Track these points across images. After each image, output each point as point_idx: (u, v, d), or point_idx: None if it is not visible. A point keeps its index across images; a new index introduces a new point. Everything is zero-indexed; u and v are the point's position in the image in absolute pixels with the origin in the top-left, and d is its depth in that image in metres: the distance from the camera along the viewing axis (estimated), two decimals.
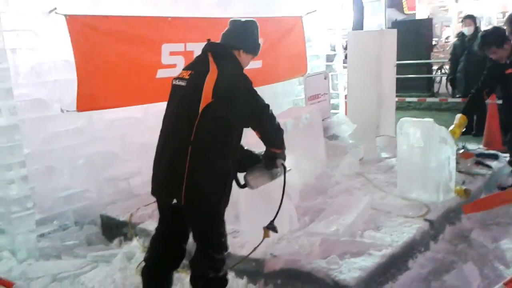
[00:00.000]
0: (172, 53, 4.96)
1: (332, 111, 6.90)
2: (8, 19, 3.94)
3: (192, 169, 2.65)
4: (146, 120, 5.09)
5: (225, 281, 2.96)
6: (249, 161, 2.90)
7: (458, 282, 3.23)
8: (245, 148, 2.98)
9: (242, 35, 2.88)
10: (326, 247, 3.16)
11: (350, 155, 5.02)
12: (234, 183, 2.90)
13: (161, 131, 2.91)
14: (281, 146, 2.80)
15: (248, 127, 2.78)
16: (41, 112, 4.32)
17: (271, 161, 2.80)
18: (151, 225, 4.01)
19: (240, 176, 2.94)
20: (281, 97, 6.66)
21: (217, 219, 2.83)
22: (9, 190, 3.98)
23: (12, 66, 4.00)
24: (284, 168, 2.84)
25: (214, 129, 2.68)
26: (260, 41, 2.98)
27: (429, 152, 3.93)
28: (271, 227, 2.93)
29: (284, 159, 2.84)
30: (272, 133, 2.77)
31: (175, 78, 2.91)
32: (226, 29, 2.94)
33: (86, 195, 4.74)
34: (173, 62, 4.98)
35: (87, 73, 4.27)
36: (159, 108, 4.92)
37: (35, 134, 4.29)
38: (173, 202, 2.73)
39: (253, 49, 2.91)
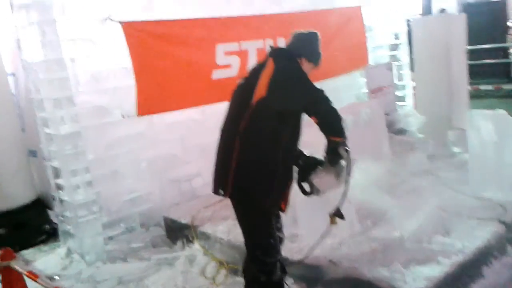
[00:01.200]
0: (226, 53, 4.94)
1: (398, 103, 6.56)
2: (65, 28, 4.07)
3: (239, 162, 2.67)
4: (205, 122, 5.10)
5: (280, 286, 2.88)
6: (311, 166, 2.79)
7: None
8: (306, 153, 2.85)
9: (304, 44, 2.89)
10: (389, 254, 2.98)
11: (418, 151, 4.72)
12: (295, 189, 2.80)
13: (220, 129, 2.91)
14: (341, 133, 2.65)
15: (303, 116, 2.70)
16: (103, 119, 4.45)
17: (333, 153, 2.64)
18: (210, 228, 4.03)
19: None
20: (342, 91, 6.42)
21: (263, 218, 2.76)
22: (75, 195, 4.16)
23: (72, 75, 4.14)
24: (347, 152, 2.65)
25: (265, 124, 2.66)
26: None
27: (503, 146, 3.59)
28: (338, 213, 2.78)
29: (347, 148, 2.66)
30: (331, 118, 2.64)
31: (239, 80, 2.94)
32: (289, 40, 2.93)
33: (150, 197, 4.83)
34: (228, 63, 4.96)
35: (145, 78, 4.33)
36: (217, 109, 4.99)
37: (98, 140, 4.42)
38: (220, 192, 2.77)
39: (314, 58, 2.90)
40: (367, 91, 6.15)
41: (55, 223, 4.69)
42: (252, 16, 5.16)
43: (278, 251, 2.85)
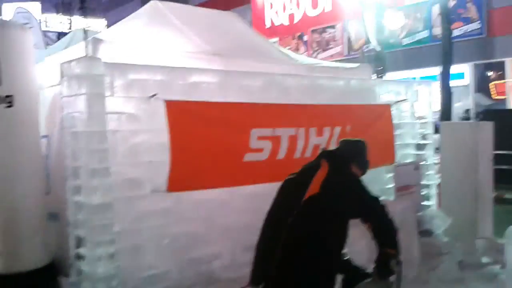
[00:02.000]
0: (260, 138, 5.00)
1: (423, 203, 6.50)
2: (112, 102, 4.19)
3: (285, 258, 2.65)
4: (232, 203, 5.07)
5: None
6: (358, 278, 2.72)
7: None
8: (349, 259, 2.80)
9: (354, 151, 3.03)
10: None
11: (447, 257, 4.60)
12: None
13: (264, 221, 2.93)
14: (396, 245, 2.61)
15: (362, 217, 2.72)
16: (134, 191, 4.43)
17: (385, 266, 2.58)
18: None
19: None
20: (368, 185, 6.40)
21: None
22: (96, 267, 4.04)
23: (111, 147, 4.19)
24: (400, 266, 2.57)
25: (315, 221, 2.66)
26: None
27: None
28: None
29: (399, 262, 2.61)
30: (386, 228, 2.62)
31: (288, 176, 2.99)
32: (338, 147, 3.09)
33: (168, 275, 4.68)
34: (260, 147, 5.02)
35: (180, 155, 4.36)
36: (245, 191, 5.03)
37: (126, 212, 4.37)
38: (259, 286, 2.75)
39: (363, 165, 3.04)
40: (392, 187, 6.12)
41: None
42: (288, 104, 5.28)
43: None
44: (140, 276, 4.46)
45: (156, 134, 4.47)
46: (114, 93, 4.24)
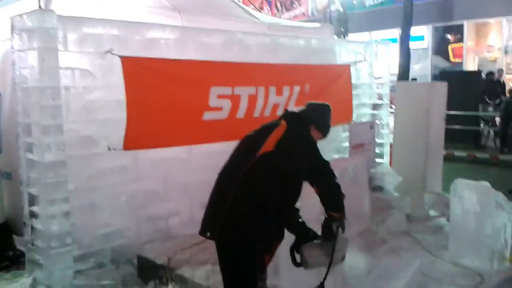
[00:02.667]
0: (219, 96, 4.98)
1: (376, 160, 6.72)
2: (65, 57, 4.05)
3: (232, 209, 2.72)
4: (190, 161, 5.09)
5: None
6: (305, 236, 2.82)
7: None
8: (303, 221, 2.89)
9: (316, 113, 3.04)
10: None
11: (396, 211, 4.81)
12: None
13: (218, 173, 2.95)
14: (340, 210, 2.72)
15: (305, 181, 2.78)
16: (88, 149, 4.36)
17: (328, 229, 2.70)
18: (188, 271, 3.94)
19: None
20: (324, 143, 6.47)
21: (245, 266, 2.77)
22: (50, 225, 4.00)
23: (64, 103, 4.08)
24: (340, 230, 2.69)
25: (263, 178, 2.73)
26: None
27: (484, 217, 3.71)
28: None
29: (342, 227, 2.73)
30: (333, 192, 2.73)
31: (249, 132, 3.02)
32: (302, 108, 3.08)
33: (124, 233, 4.71)
34: (220, 105, 5.00)
35: (137, 113, 4.31)
36: (203, 150, 5.05)
37: (80, 170, 4.32)
38: (207, 235, 2.80)
39: (324, 128, 3.04)
40: (348, 145, 6.28)
41: (20, 251, 4.48)
42: (248, 63, 5.26)
43: None
44: (96, 233, 4.46)
45: (111, 91, 4.38)
46: (67, 47, 4.09)
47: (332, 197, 2.75)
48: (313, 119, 2.99)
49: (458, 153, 8.61)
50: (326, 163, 2.78)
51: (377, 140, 6.92)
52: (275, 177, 2.72)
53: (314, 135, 2.97)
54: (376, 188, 5.84)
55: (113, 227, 4.61)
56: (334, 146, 6.90)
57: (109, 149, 4.33)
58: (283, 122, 2.90)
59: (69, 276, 4.10)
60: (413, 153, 6.05)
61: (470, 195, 3.77)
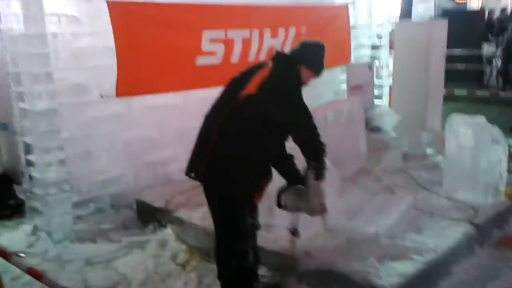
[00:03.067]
0: (212, 40, 4.87)
1: (375, 101, 6.66)
2: (50, 3, 3.94)
3: (215, 151, 2.70)
4: (185, 107, 5.05)
5: (252, 272, 2.92)
6: (294, 182, 2.82)
7: None
8: (297, 169, 2.86)
9: (308, 52, 2.89)
10: (364, 249, 3.02)
11: (392, 150, 4.80)
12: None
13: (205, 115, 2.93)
14: (317, 158, 2.71)
15: (286, 128, 2.74)
16: (80, 97, 4.34)
17: (304, 177, 2.73)
18: (185, 213, 4.00)
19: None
20: (322, 86, 6.43)
21: (232, 206, 2.78)
22: (46, 172, 4.06)
23: (52, 51, 4.01)
24: (310, 177, 2.70)
25: (247, 121, 2.69)
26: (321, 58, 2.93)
27: (480, 152, 3.69)
28: (293, 231, 2.89)
29: (319, 175, 2.73)
30: (311, 141, 2.71)
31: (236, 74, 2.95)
32: (294, 47, 2.96)
33: (123, 179, 4.77)
34: (213, 49, 4.90)
35: (127, 59, 4.22)
36: (198, 96, 4.99)
37: (74, 118, 4.32)
38: (191, 175, 2.80)
39: (315, 67, 2.89)
40: (346, 87, 6.20)
41: (21, 199, 4.56)
42: (240, 5, 5.11)
43: (249, 239, 2.88)
44: (94, 180, 4.51)
45: (100, 37, 4.30)
46: None
47: (310, 147, 2.72)
48: (304, 58, 2.86)
49: (458, 92, 8.46)
50: (308, 115, 2.70)
51: (377, 82, 6.83)
52: (258, 120, 2.67)
53: (305, 75, 2.86)
54: (374, 129, 5.82)
55: (111, 173, 4.66)
56: (332, 89, 6.83)
57: (101, 96, 4.30)
58: (269, 63, 2.81)
59: (69, 222, 4.19)
60: (412, 92, 5.98)
61: (466, 130, 3.73)
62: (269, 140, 2.75)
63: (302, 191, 2.76)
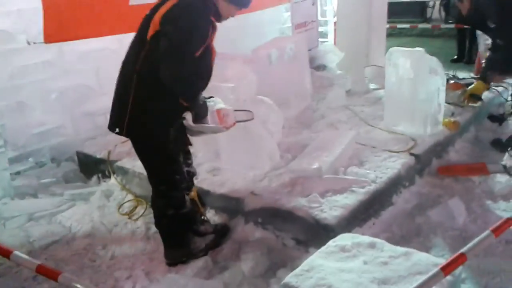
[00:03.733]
0: None
1: (321, 39, 6.59)
2: None
3: (136, 101, 2.55)
4: (122, 52, 4.72)
5: (189, 218, 2.90)
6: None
7: (443, 217, 3.15)
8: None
9: None
10: (308, 185, 3.05)
11: (336, 87, 4.80)
12: None
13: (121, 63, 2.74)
14: (187, 99, 2.53)
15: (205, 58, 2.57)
16: (6, 45, 4.03)
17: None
18: (129, 162, 3.89)
19: None
20: (267, 25, 6.33)
21: (165, 156, 2.70)
22: None
23: None
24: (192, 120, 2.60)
25: (155, 61, 2.44)
26: None
27: (418, 83, 3.72)
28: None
29: (196, 117, 2.59)
30: (178, 75, 2.43)
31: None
32: None
33: (61, 131, 4.57)
34: None
35: (53, 1, 3.91)
36: None
37: (1, 68, 4.03)
38: (116, 131, 2.67)
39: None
40: (291, 25, 6.08)
41: None
42: None
43: (184, 186, 2.83)
44: (30, 133, 4.30)
45: None
46: None
47: (173, 83, 2.46)
48: None
49: (401, 26, 8.50)
50: (191, 46, 2.42)
51: (321, 18, 6.74)
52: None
53: (225, 8, 2.61)
54: (319, 67, 5.78)
55: (48, 125, 4.46)
56: (277, 28, 6.70)
57: (28, 43, 3.99)
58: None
59: (6, 178, 3.99)
60: (356, 28, 5.92)
61: (405, 62, 3.73)
62: None
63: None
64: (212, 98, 2.72)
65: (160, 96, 2.52)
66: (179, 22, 2.42)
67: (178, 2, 2.46)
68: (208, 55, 2.61)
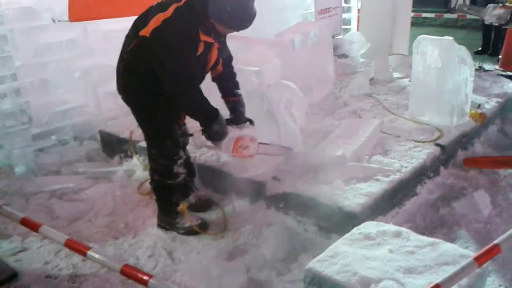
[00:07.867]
0: None
1: (343, 26, 6.51)
2: None
3: (122, 86, 2.88)
4: None
5: (183, 188, 3.01)
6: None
7: (468, 209, 3.12)
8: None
9: (213, 4, 2.48)
10: (331, 172, 3.02)
11: (360, 75, 4.74)
12: None
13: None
14: (198, 119, 2.73)
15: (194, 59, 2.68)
16: (31, 22, 4.04)
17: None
18: None
19: None
20: (289, 10, 6.25)
21: (151, 124, 2.87)
22: (2, 103, 3.84)
23: None
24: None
25: (142, 63, 2.68)
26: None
27: (446, 73, 3.66)
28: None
29: (210, 137, 2.72)
30: (187, 104, 2.73)
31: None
32: None
33: (84, 110, 4.60)
34: None
35: None
36: None
37: (26, 45, 4.05)
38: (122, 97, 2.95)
39: (225, 20, 2.51)
40: (313, 11, 6.01)
41: None
42: None
43: (175, 157, 2.92)
44: (53, 110, 4.32)
45: None
46: None
47: (187, 110, 2.79)
48: (210, 10, 2.46)
49: (426, 14, 8.36)
50: (187, 71, 2.58)
51: (345, 5, 6.65)
52: (152, 63, 2.63)
53: (221, 29, 2.56)
54: (342, 55, 5.71)
55: (71, 103, 4.48)
56: (300, 13, 6.61)
57: (53, 21, 4.01)
58: (171, 10, 2.50)
59: (30, 154, 4.04)
60: (380, 17, 5.83)
61: (433, 50, 3.66)
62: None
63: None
64: (245, 123, 2.83)
65: (141, 91, 2.80)
66: (166, 42, 2.53)
67: (170, 20, 2.50)
68: (201, 64, 2.73)
